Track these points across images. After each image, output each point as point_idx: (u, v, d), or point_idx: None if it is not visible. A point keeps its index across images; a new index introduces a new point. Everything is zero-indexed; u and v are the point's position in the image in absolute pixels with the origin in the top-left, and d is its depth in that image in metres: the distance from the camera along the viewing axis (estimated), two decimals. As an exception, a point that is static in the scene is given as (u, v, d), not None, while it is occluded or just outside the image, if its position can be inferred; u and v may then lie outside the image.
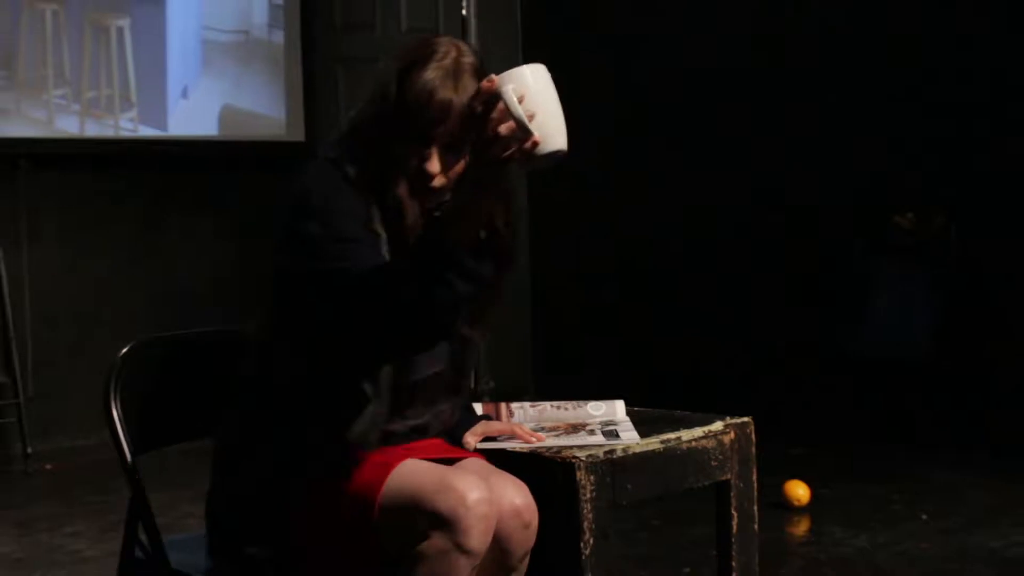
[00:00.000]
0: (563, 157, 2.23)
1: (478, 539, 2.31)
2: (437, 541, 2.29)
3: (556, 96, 2.21)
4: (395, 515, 2.34)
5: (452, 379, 2.60)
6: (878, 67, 6.48)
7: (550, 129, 2.18)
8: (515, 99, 2.13)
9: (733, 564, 2.83)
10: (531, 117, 2.13)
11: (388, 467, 2.40)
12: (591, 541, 2.48)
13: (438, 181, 2.40)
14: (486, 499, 2.33)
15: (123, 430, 2.53)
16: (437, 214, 2.41)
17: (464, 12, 7.98)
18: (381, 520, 2.36)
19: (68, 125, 6.43)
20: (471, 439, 2.66)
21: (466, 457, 2.57)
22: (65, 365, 6.37)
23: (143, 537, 2.54)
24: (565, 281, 7.85)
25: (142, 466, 2.54)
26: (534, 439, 2.63)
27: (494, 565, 2.45)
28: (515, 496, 2.43)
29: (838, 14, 6.65)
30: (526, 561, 2.49)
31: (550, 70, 2.20)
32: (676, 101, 7.35)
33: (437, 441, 2.62)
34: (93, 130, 6.48)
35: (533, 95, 2.18)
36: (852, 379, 6.39)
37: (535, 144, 2.14)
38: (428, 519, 2.30)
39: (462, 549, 2.29)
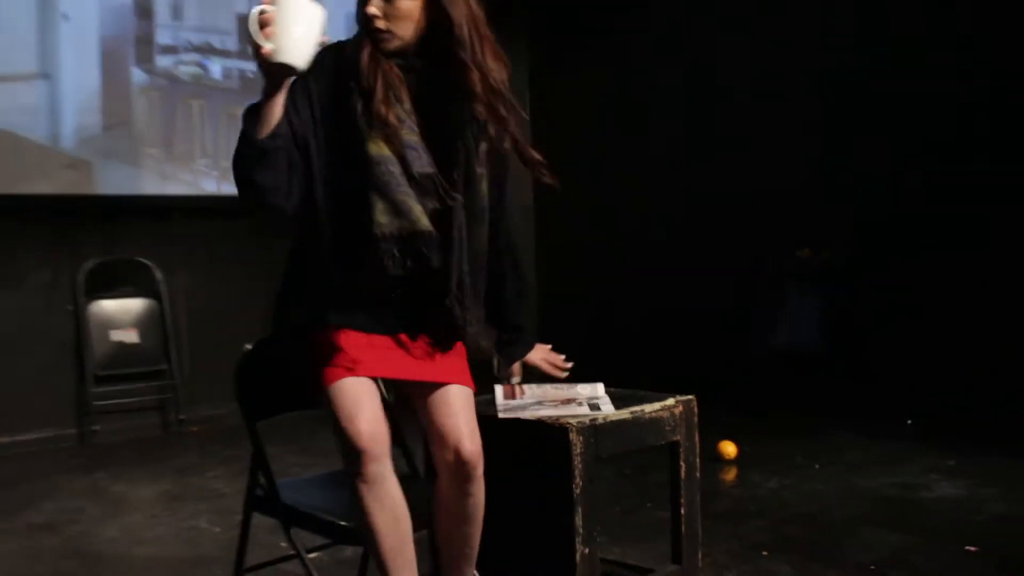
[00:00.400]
0: (296, 72, 2.05)
1: (368, 472, 2.17)
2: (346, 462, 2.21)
3: (299, 23, 2.01)
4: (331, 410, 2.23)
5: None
6: (801, 143, 6.48)
7: (282, 45, 2.00)
8: (255, 16, 2.00)
9: (682, 500, 2.83)
10: (269, 34, 1.99)
11: (345, 372, 2.23)
12: (580, 484, 2.49)
13: (380, 23, 2.20)
14: (375, 437, 2.17)
15: (248, 403, 2.55)
16: (400, 63, 2.25)
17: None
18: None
19: (209, 185, 6.46)
20: (516, 369, 2.58)
21: (452, 383, 2.33)
22: (207, 356, 6.37)
23: (262, 480, 2.55)
24: (566, 285, 7.81)
25: (261, 429, 2.56)
26: (560, 372, 2.61)
27: (453, 488, 2.29)
28: (466, 442, 2.26)
29: (757, 82, 6.65)
30: (479, 486, 2.30)
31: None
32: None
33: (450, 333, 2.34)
34: (227, 189, 6.48)
35: (276, 17, 2.01)
36: (770, 366, 6.37)
37: (265, 53, 2.00)
38: (338, 438, 2.21)
39: (359, 477, 2.18)
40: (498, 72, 2.26)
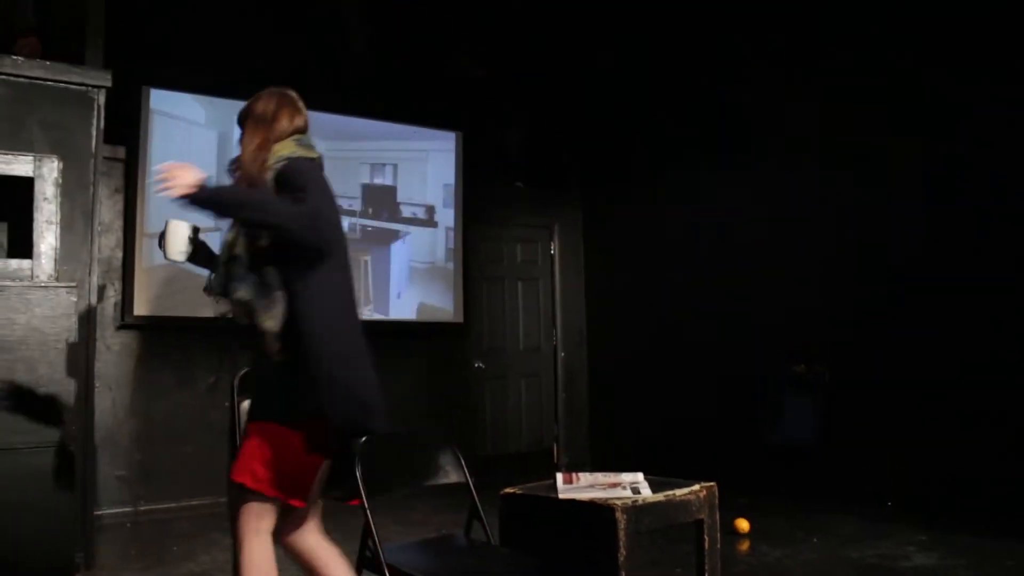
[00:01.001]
0: (179, 261, 2.67)
1: None
2: None
3: (175, 237, 2.64)
4: None
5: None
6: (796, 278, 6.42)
7: (168, 250, 2.63)
8: (158, 237, 2.67)
9: (706, 567, 2.73)
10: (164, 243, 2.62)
11: None
12: (624, 552, 2.41)
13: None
14: None
15: (363, 485, 2.51)
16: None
17: (552, 252, 7.99)
18: None
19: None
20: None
21: None
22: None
23: (371, 543, 2.52)
24: (612, 394, 7.71)
25: (371, 504, 2.51)
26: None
27: None
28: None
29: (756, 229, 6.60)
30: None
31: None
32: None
33: None
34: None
35: (165, 236, 2.64)
36: (775, 457, 6.22)
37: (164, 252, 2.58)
38: None
39: None
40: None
